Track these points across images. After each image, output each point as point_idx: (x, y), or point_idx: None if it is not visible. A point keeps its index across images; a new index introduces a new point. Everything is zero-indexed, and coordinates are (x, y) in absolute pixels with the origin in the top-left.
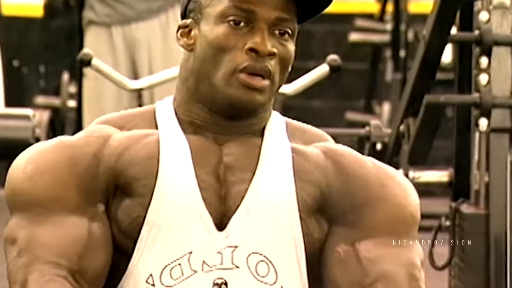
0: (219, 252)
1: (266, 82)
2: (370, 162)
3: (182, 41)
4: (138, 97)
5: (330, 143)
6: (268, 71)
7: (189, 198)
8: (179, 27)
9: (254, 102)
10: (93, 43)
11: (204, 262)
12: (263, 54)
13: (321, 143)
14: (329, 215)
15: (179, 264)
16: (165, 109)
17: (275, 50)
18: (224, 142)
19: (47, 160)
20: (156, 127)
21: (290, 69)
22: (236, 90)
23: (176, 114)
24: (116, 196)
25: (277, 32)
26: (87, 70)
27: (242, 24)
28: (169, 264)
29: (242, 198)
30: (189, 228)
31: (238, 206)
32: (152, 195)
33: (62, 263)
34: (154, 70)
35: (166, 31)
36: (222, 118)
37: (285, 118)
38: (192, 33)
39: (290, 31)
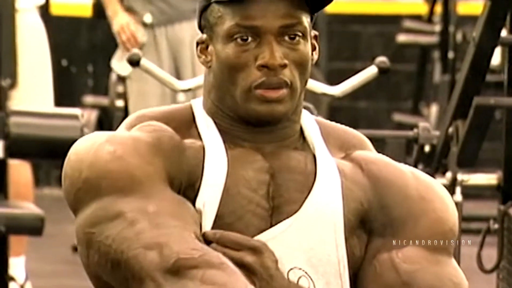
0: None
1: (283, 91)
2: (409, 173)
3: (202, 58)
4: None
5: (366, 153)
6: (283, 82)
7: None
8: (197, 43)
9: (275, 113)
10: None
11: None
12: (274, 68)
13: (358, 152)
14: (368, 228)
15: None
16: (202, 114)
17: (285, 62)
18: (266, 152)
19: (131, 144)
20: (195, 128)
21: (310, 65)
22: (255, 105)
23: (214, 122)
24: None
25: (286, 37)
26: (131, 71)
27: (249, 39)
28: None
29: (289, 216)
30: None
31: (281, 221)
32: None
33: (190, 229)
34: (197, 70)
35: None
36: (253, 127)
37: (315, 117)
38: (209, 49)
39: (300, 33)
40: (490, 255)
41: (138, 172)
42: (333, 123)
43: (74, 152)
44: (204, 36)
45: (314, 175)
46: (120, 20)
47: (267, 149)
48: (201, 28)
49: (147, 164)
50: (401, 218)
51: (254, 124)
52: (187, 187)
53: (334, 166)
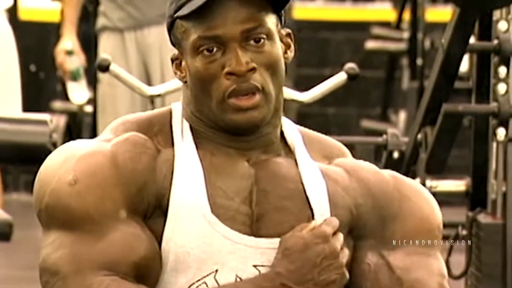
0: (254, 266)
1: (257, 97)
2: (391, 177)
3: (178, 74)
4: (151, 102)
5: (351, 160)
6: (254, 87)
7: (203, 221)
8: (172, 60)
9: (252, 120)
10: (107, 48)
11: (237, 276)
12: (241, 74)
13: (342, 159)
14: (357, 233)
15: (205, 282)
16: (179, 122)
17: (252, 65)
18: (251, 158)
19: (94, 172)
20: (171, 136)
21: (282, 66)
22: (231, 114)
23: (191, 128)
24: (152, 217)
25: (252, 41)
26: (101, 76)
27: (215, 49)
28: (193, 283)
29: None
30: (211, 248)
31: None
32: (165, 222)
33: (118, 270)
34: (165, 75)
35: None
36: (235, 135)
37: (297, 127)
38: (182, 65)
39: (264, 35)
40: (459, 261)
41: (94, 212)
42: (316, 133)
43: (45, 168)
44: (177, 52)
45: (301, 182)
46: (61, 45)
47: (253, 155)
48: (174, 45)
49: (106, 200)
50: (389, 219)
51: (235, 134)
52: (156, 206)
53: (319, 172)
